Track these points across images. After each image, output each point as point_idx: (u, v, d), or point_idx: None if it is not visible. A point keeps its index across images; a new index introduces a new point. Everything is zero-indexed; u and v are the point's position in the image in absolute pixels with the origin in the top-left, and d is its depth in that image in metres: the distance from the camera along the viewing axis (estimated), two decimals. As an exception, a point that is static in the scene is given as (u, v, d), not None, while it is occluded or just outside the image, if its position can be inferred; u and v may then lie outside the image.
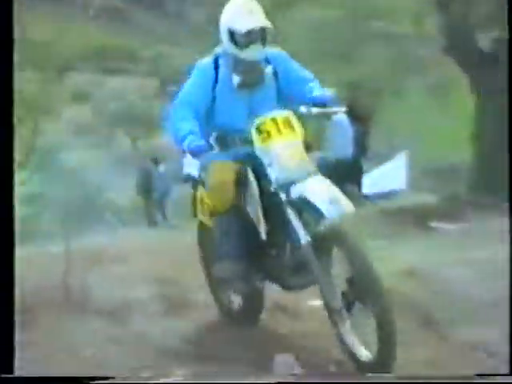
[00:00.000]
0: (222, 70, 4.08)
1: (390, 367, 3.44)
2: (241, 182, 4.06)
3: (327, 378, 3.28)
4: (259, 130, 3.89)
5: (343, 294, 3.73)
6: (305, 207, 3.76)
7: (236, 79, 4.03)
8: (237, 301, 4.52)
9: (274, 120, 3.91)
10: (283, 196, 3.82)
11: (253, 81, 4.07)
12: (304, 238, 3.77)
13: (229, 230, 4.07)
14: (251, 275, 4.15)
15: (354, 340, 3.67)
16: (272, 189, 3.88)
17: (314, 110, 3.94)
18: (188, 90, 4.08)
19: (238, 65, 4.04)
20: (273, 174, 3.85)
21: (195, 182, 4.53)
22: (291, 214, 3.82)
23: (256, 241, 4.09)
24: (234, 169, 4.06)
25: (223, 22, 4.00)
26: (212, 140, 3.91)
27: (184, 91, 4.08)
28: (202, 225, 4.60)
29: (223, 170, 4.02)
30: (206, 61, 4.12)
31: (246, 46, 3.95)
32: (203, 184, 4.29)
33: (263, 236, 4.05)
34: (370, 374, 3.46)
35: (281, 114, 3.94)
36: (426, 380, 2.93)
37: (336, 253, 3.77)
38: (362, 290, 3.59)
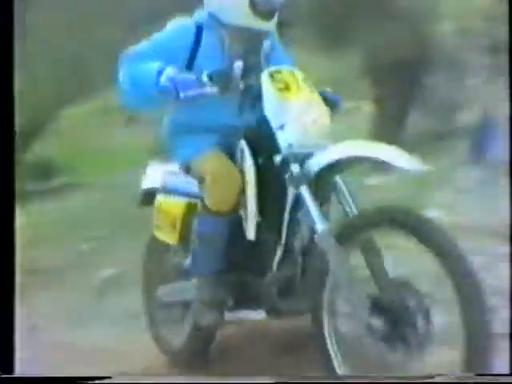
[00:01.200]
0: (206, 40, 3.28)
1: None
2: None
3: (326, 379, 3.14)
4: (274, 78, 3.04)
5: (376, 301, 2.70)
6: (345, 170, 2.95)
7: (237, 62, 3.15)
8: (181, 335, 3.71)
9: (292, 73, 3.09)
10: (295, 169, 2.90)
11: (249, 49, 3.32)
12: (322, 224, 2.84)
13: (218, 238, 3.24)
14: (226, 299, 3.32)
15: None
16: (277, 161, 2.98)
17: None
18: (156, 41, 3.30)
19: (236, 34, 3.28)
20: (284, 138, 2.96)
21: (151, 196, 3.80)
22: (305, 192, 2.88)
23: (239, 249, 3.27)
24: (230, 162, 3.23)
25: None
26: (205, 78, 3.02)
27: (149, 43, 3.31)
28: (154, 241, 3.88)
29: (223, 160, 3.22)
30: (186, 21, 3.36)
31: (265, 15, 3.25)
32: (167, 192, 3.64)
33: (251, 235, 3.18)
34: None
35: (298, 71, 3.15)
36: (425, 380, 2.79)
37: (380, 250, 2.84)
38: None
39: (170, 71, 3.02)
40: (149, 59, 3.12)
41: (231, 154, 3.26)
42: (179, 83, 2.96)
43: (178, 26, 3.34)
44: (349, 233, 2.82)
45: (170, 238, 3.63)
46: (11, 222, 3.35)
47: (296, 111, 2.96)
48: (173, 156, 3.56)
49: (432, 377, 2.67)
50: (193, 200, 3.49)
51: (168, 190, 3.68)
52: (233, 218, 3.20)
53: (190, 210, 3.49)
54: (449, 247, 2.52)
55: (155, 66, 3.05)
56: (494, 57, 8.85)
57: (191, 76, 3.01)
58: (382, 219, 2.70)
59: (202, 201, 3.27)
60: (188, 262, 3.55)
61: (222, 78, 3.00)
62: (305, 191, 2.89)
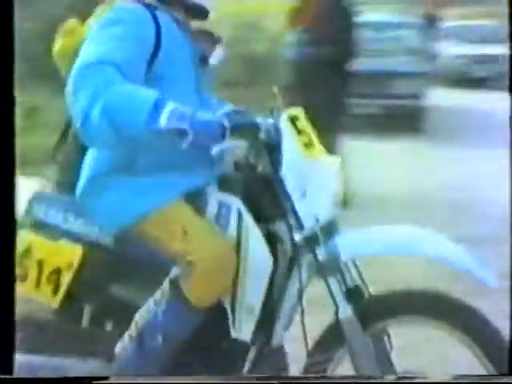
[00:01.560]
0: (162, 19, 2.23)
1: None
2: None
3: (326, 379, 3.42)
4: (297, 128, 2.20)
5: None
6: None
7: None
8: None
9: (305, 118, 2.28)
10: (321, 252, 2.19)
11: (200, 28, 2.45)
12: (346, 308, 2.22)
13: (184, 333, 2.24)
14: None
15: None
16: (298, 239, 2.21)
17: None
18: (117, 44, 2.10)
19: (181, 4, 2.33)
20: (309, 211, 2.19)
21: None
22: (334, 285, 2.21)
23: (206, 348, 2.32)
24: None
25: None
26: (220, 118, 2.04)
27: (114, 44, 2.09)
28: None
29: (214, 231, 2.22)
30: (136, 7, 2.20)
31: None
32: (42, 228, 2.36)
33: (243, 334, 2.25)
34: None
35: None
36: (424, 380, 3.15)
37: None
38: None
39: (176, 108, 2.00)
40: (124, 71, 2.06)
41: (198, 206, 2.26)
42: (205, 131, 1.99)
43: (132, 13, 2.19)
44: (371, 320, 2.29)
45: (46, 297, 2.43)
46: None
47: (325, 177, 2.24)
48: (97, 212, 2.30)
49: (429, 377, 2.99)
50: (91, 247, 2.37)
51: (44, 226, 2.40)
52: (212, 310, 2.26)
53: (88, 259, 2.36)
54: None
55: (146, 94, 2.03)
56: (230, 91, 9.60)
57: (212, 117, 2.05)
58: (421, 307, 2.29)
59: (176, 285, 2.23)
60: (119, 350, 2.32)
61: (248, 129, 2.09)
62: (334, 284, 2.23)
